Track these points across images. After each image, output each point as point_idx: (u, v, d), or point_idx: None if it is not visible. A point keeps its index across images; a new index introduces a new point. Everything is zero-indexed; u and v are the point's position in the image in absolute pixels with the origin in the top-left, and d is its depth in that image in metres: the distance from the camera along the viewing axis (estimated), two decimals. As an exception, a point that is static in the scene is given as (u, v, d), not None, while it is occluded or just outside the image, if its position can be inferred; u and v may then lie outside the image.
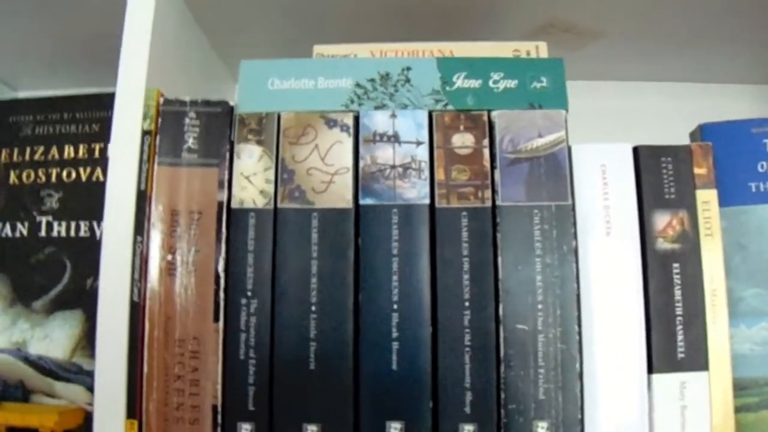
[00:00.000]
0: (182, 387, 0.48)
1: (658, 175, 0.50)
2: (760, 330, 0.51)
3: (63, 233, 0.57)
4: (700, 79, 0.71)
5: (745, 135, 0.53)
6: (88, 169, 0.58)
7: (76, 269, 0.57)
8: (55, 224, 0.58)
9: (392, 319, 0.48)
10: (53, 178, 0.58)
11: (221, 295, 0.49)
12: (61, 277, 0.57)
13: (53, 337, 0.57)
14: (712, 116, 0.54)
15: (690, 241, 0.50)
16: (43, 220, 0.58)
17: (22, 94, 0.64)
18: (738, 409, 0.49)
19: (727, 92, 0.71)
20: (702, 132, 0.53)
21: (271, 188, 0.50)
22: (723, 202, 0.51)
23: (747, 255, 0.51)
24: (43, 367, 0.56)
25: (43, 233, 0.58)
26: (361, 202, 0.49)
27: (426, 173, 0.49)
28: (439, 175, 0.49)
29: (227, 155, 0.50)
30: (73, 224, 0.57)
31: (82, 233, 0.57)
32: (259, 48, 0.57)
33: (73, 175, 0.58)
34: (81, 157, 0.58)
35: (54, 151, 0.59)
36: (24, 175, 0.59)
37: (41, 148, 0.59)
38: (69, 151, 0.58)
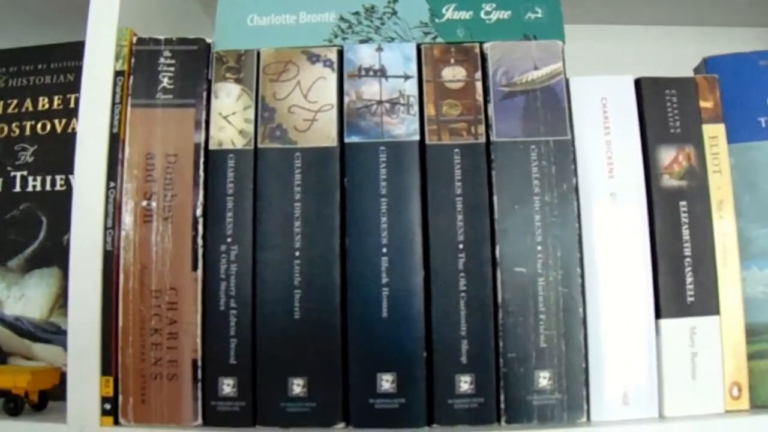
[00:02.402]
0: (159, 341, 0.43)
1: (662, 109, 0.45)
2: (773, 272, 0.45)
3: (38, 188, 0.52)
4: (703, 23, 0.65)
5: (753, 68, 0.47)
6: (64, 121, 0.52)
7: (52, 225, 0.51)
8: (30, 179, 0.52)
9: (381, 264, 0.42)
10: (27, 131, 0.53)
11: (199, 242, 0.43)
12: (37, 234, 0.51)
13: (30, 297, 0.51)
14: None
15: (698, 177, 0.44)
16: (18, 175, 0.52)
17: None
18: (751, 356, 0.44)
19: (732, 35, 0.65)
20: (706, 66, 0.48)
21: (250, 128, 0.44)
22: (731, 138, 0.45)
23: (757, 193, 0.46)
24: (20, 328, 0.51)
25: (17, 188, 0.52)
26: (347, 140, 0.44)
27: (415, 108, 0.44)
28: (429, 110, 0.44)
29: (204, 95, 0.45)
30: (48, 178, 0.52)
31: (57, 187, 0.51)
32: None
33: (48, 127, 0.52)
34: (56, 108, 0.52)
35: (28, 103, 0.53)
36: (-3, 129, 0.53)
37: (15, 101, 0.53)
38: (43, 103, 0.53)
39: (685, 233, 0.44)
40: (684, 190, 0.44)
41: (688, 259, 0.43)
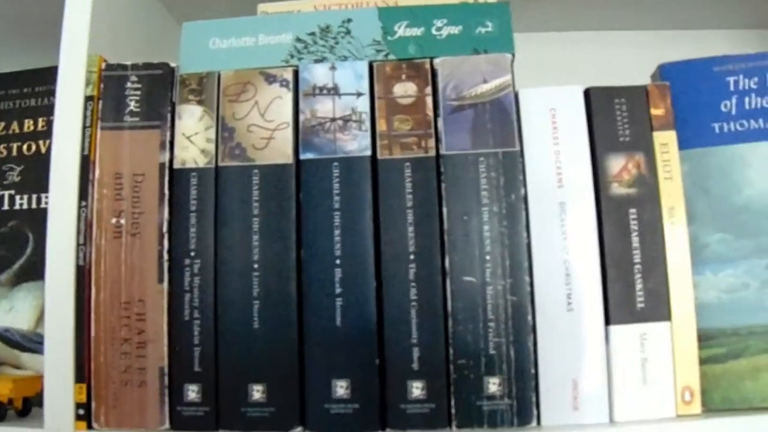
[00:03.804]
0: (129, 350, 0.46)
1: (611, 118, 0.47)
2: (726, 277, 0.47)
3: (25, 206, 0.56)
4: (662, 27, 0.66)
5: (707, 74, 0.49)
6: (48, 142, 0.56)
7: (38, 241, 0.55)
8: (17, 197, 0.56)
9: (335, 274, 0.45)
10: (14, 152, 0.57)
11: (165, 256, 0.47)
12: (24, 249, 0.56)
13: (18, 309, 0.55)
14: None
15: (647, 185, 0.46)
16: (6, 193, 0.57)
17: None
18: (704, 361, 0.45)
19: (693, 39, 0.66)
20: (661, 72, 0.49)
21: (212, 147, 0.47)
22: (684, 144, 0.47)
23: (711, 199, 0.47)
24: (9, 339, 0.55)
25: (6, 207, 0.57)
26: (302, 156, 0.47)
27: (367, 125, 0.47)
28: (381, 126, 0.47)
29: (169, 116, 0.48)
30: (34, 197, 0.56)
31: (43, 205, 0.56)
32: (211, 8, 0.54)
33: (33, 148, 0.57)
34: (40, 130, 0.57)
35: (14, 125, 0.57)
36: (-14, 151, 0.58)
37: (2, 124, 0.58)
38: (29, 125, 0.57)
39: (635, 240, 0.46)
40: (633, 197, 0.46)
41: (637, 266, 0.45)
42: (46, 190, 0.54)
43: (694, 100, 0.48)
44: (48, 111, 0.57)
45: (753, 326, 0.46)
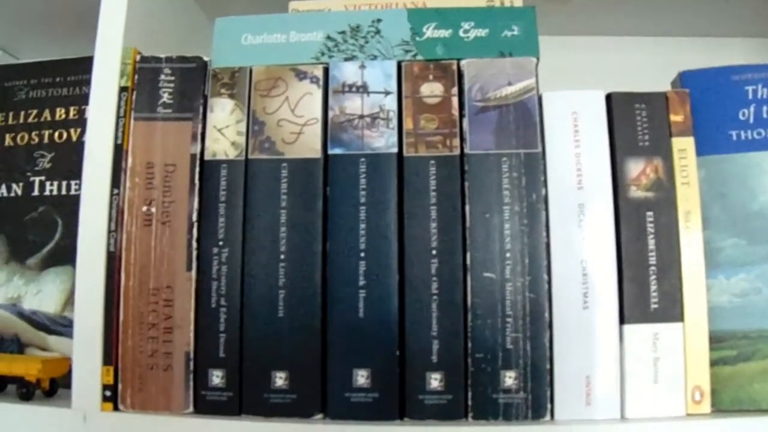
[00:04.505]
0: (156, 335, 0.48)
1: (631, 123, 0.49)
2: (739, 281, 0.48)
3: (55, 192, 0.58)
4: (688, 34, 0.68)
5: (726, 82, 0.51)
6: (78, 130, 0.59)
7: (67, 226, 0.58)
8: (48, 184, 0.59)
9: (359, 267, 0.47)
10: (45, 140, 0.59)
11: (194, 244, 0.49)
12: (53, 234, 0.58)
13: (46, 292, 0.58)
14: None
15: (665, 189, 0.48)
16: (36, 180, 0.59)
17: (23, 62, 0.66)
18: (714, 362, 0.47)
19: (712, 46, 0.68)
20: (682, 79, 0.51)
21: (242, 140, 0.50)
22: (702, 150, 0.49)
23: (727, 205, 0.49)
24: (36, 321, 0.57)
25: (36, 192, 0.59)
26: (330, 152, 0.49)
27: (394, 122, 0.49)
28: (407, 124, 0.49)
29: (201, 109, 0.50)
30: (64, 183, 0.58)
31: (72, 191, 0.58)
32: (240, 4, 0.57)
33: (65, 135, 0.59)
34: (72, 118, 0.59)
35: (46, 113, 0.60)
36: (18, 137, 0.60)
37: (34, 111, 0.60)
38: (60, 113, 0.59)
39: (651, 243, 0.47)
40: (651, 201, 0.48)
41: (653, 268, 0.47)
42: (75, 177, 0.57)
43: (713, 108, 0.50)
44: (79, 100, 0.59)
45: (763, 330, 0.48)
